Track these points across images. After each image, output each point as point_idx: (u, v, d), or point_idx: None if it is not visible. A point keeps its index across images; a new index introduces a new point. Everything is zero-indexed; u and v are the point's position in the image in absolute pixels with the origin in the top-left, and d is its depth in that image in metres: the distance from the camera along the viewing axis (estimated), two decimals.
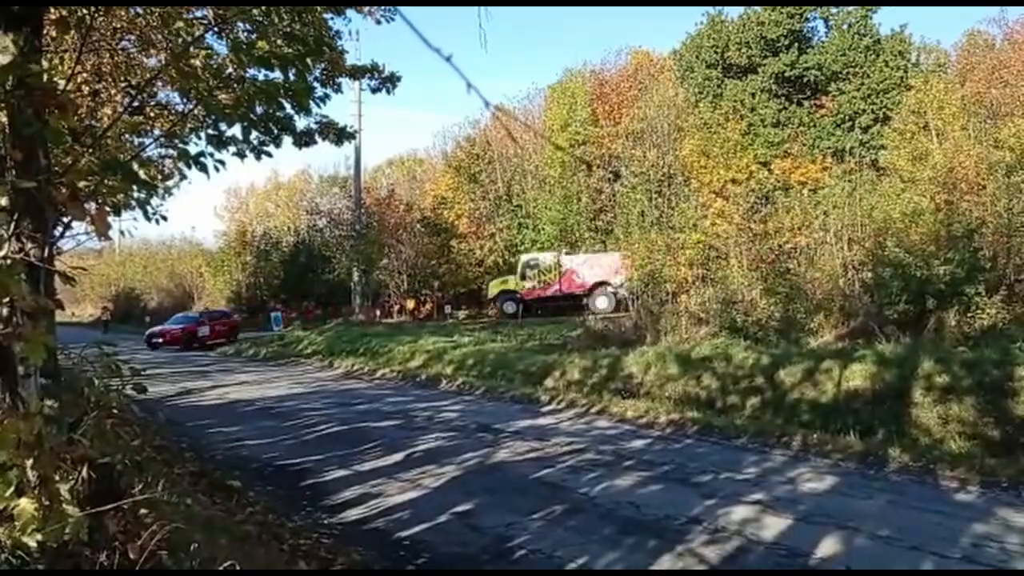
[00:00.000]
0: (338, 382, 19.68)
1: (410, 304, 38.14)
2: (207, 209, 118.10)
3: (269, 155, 7.08)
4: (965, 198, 22.22)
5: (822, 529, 6.59)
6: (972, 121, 26.38)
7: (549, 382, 16.18)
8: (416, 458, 9.83)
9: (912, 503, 7.59)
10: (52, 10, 4.09)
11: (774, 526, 6.75)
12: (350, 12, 7.99)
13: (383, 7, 8.47)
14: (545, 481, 8.61)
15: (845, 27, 34.99)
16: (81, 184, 3.76)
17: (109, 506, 3.24)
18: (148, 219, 5.12)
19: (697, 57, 36.72)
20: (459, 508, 7.53)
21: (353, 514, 7.49)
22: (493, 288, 36.71)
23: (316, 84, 7.66)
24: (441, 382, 18.03)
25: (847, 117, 33.94)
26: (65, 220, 3.97)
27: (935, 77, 31.19)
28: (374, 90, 9.61)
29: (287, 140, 7.45)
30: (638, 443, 10.73)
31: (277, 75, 5.14)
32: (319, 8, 6.15)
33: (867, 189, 25.10)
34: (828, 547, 6.20)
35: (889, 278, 18.43)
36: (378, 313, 37.75)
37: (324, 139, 8.87)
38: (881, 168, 29.77)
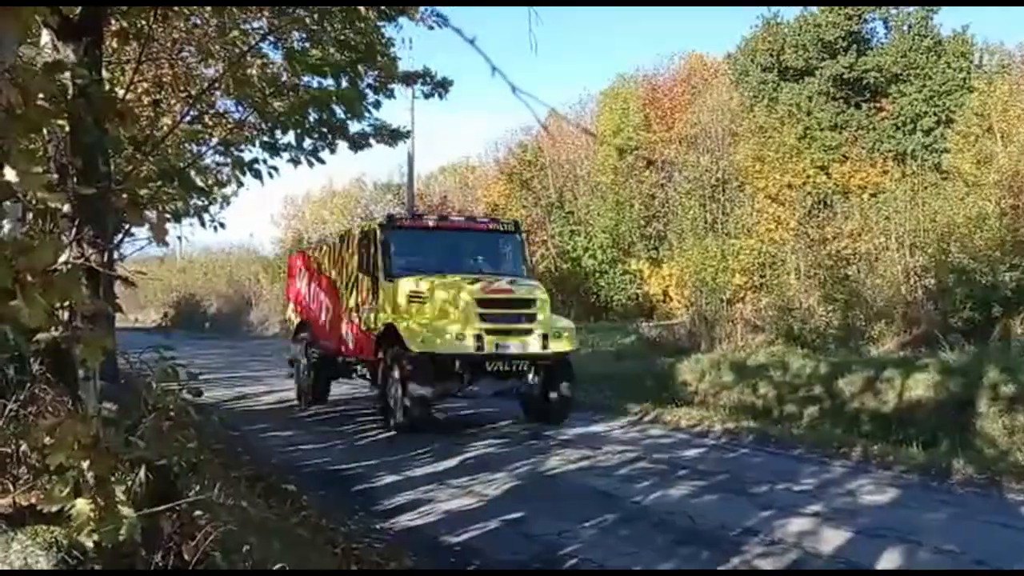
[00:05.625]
0: None
1: None
2: (266, 216, 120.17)
3: (322, 161, 7.16)
4: None
5: (883, 542, 6.39)
6: None
7: None
8: (466, 465, 9.83)
9: (977, 516, 7.34)
10: (113, 21, 4.19)
11: (833, 539, 6.57)
12: (401, 19, 8.04)
13: (434, 10, 8.50)
14: (598, 489, 8.53)
15: (905, 28, 34.11)
16: (141, 191, 3.85)
17: (164, 507, 3.28)
18: (204, 226, 5.24)
19: (752, 60, 36.16)
20: (510, 515, 7.48)
21: (404, 519, 7.50)
22: None
23: (369, 91, 7.72)
24: None
25: (908, 120, 33.04)
26: (125, 226, 4.08)
27: (999, 78, 30.22)
28: (427, 95, 9.66)
29: (342, 144, 7.55)
30: (692, 452, 10.59)
31: (330, 82, 5.21)
32: (371, 14, 6.20)
33: (930, 193, 24.39)
34: (889, 560, 6.02)
35: (953, 285, 17.93)
36: None
37: (379, 141, 8.95)
38: (944, 171, 28.91)
